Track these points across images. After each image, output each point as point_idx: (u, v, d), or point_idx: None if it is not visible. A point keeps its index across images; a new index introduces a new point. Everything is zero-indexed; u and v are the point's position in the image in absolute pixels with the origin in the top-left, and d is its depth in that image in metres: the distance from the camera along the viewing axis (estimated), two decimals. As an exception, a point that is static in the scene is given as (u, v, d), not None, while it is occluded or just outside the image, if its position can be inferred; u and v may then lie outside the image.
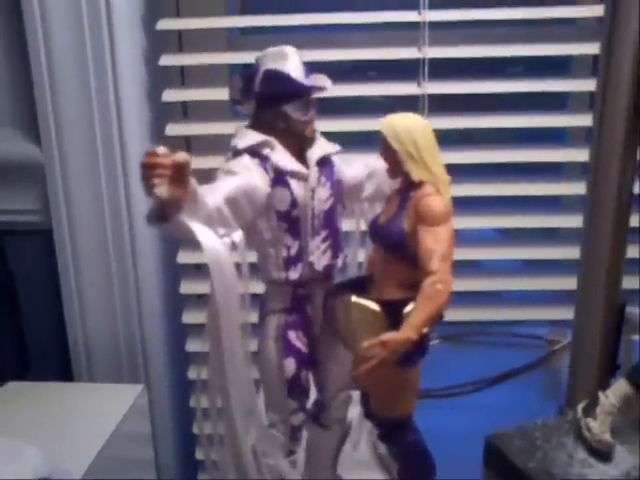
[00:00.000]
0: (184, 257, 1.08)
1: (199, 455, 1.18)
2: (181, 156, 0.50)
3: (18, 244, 1.11)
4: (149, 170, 0.49)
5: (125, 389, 1.06)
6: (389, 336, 0.56)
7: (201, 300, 1.12)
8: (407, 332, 0.56)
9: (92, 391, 1.06)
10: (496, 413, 1.02)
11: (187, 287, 1.11)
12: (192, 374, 1.13)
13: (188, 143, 1.12)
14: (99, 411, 0.99)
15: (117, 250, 1.08)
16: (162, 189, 0.49)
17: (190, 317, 1.11)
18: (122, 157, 1.04)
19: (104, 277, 1.09)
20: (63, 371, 1.14)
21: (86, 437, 0.92)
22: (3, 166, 1.06)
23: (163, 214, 0.51)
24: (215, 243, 0.54)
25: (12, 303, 1.13)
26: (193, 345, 1.11)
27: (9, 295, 1.12)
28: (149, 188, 0.49)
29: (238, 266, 0.59)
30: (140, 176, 0.49)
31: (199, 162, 1.05)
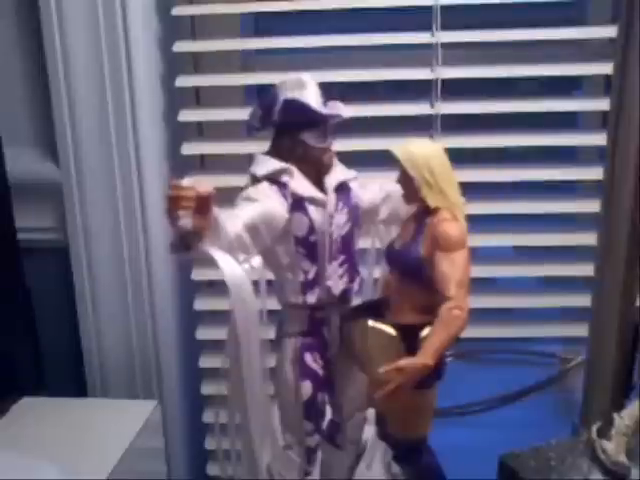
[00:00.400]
0: (198, 274, 1.09)
1: (211, 470, 1.18)
2: (204, 188, 0.51)
3: (35, 261, 1.12)
4: (174, 202, 0.50)
5: (139, 405, 1.06)
6: (406, 362, 0.57)
7: (215, 317, 1.12)
8: (424, 358, 0.57)
9: (106, 407, 1.06)
10: (510, 431, 1.02)
11: (201, 304, 1.11)
12: (205, 390, 1.14)
13: (203, 162, 1.13)
14: (113, 427, 0.99)
15: (132, 268, 1.09)
16: (186, 221, 0.50)
17: (204, 333, 1.11)
18: (138, 176, 1.05)
19: (119, 294, 1.10)
20: (78, 387, 1.15)
21: (101, 453, 0.92)
22: (21, 184, 1.07)
23: (186, 244, 0.52)
24: (236, 270, 0.55)
25: (28, 319, 1.14)
26: (207, 361, 1.12)
27: (26, 311, 1.13)
28: (173, 219, 0.50)
29: (256, 284, 0.60)
30: (165, 208, 0.50)
31: (214, 181, 1.07)
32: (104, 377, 1.13)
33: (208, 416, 1.15)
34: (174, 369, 1.14)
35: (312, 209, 0.64)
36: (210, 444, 1.16)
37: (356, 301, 0.71)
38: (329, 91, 0.67)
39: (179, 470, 1.20)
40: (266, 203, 0.61)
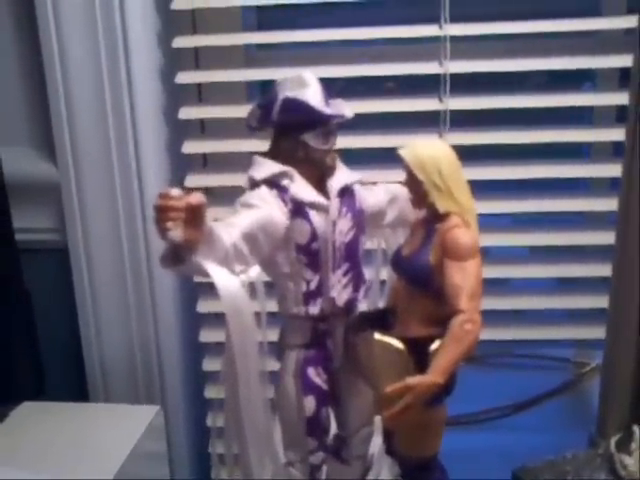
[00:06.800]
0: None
1: (214, 476, 1.16)
2: (195, 198, 0.47)
3: (34, 263, 1.10)
4: (162, 213, 0.47)
5: (141, 410, 1.04)
6: (415, 380, 0.54)
7: (218, 318, 1.10)
8: (434, 376, 0.53)
9: (108, 411, 1.05)
10: (522, 437, 1.00)
11: (204, 306, 1.09)
12: (208, 393, 1.12)
13: (205, 161, 1.10)
14: (115, 432, 0.97)
15: (133, 269, 1.06)
16: (176, 232, 0.47)
17: (207, 336, 1.09)
18: (138, 175, 1.02)
19: (120, 296, 1.07)
20: (79, 391, 1.13)
21: (103, 458, 0.90)
22: (20, 185, 1.05)
23: (178, 256, 0.49)
24: (232, 286, 0.52)
25: (28, 322, 1.12)
26: (210, 364, 1.10)
27: (25, 314, 1.11)
28: (163, 231, 0.47)
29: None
30: (153, 219, 0.47)
31: (215, 180, 1.04)
32: (105, 381, 1.12)
33: (212, 420, 1.13)
34: (177, 372, 1.12)
35: (314, 215, 0.61)
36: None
37: (361, 307, 0.68)
38: (334, 86, 0.64)
39: (183, 475, 1.18)
40: (265, 209, 0.58)
